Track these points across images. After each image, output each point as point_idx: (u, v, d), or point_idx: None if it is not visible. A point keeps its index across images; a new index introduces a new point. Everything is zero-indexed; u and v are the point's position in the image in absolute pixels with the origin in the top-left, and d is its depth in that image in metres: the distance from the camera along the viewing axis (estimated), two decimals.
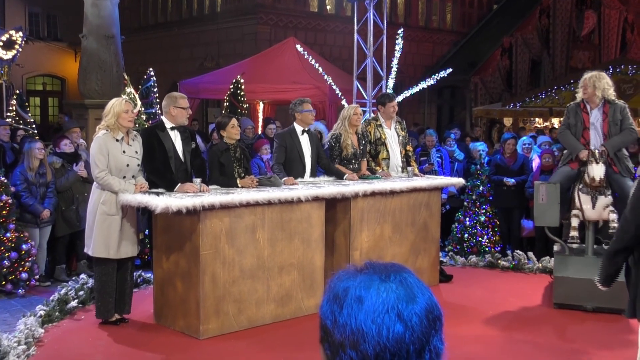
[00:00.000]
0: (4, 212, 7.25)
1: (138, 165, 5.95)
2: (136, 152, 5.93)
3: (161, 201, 5.45)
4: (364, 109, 9.90)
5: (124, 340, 5.69)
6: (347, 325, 1.08)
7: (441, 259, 8.00)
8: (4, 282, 7.18)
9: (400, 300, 1.08)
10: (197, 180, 6.03)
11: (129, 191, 5.74)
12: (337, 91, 12.13)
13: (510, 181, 8.98)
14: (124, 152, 5.81)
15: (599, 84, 6.57)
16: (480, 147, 10.11)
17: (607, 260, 3.97)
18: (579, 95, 6.80)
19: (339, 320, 1.09)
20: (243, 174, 6.53)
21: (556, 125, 14.79)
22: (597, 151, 6.41)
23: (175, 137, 6.22)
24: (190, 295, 5.72)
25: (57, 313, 6.19)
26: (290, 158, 7.10)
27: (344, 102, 11.61)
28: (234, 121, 6.62)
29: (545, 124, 15.54)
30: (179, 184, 5.95)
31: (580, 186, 6.61)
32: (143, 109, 9.94)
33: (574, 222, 6.65)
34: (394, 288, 1.09)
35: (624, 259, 3.88)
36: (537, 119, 15.90)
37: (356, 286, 1.11)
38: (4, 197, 7.25)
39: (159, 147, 6.09)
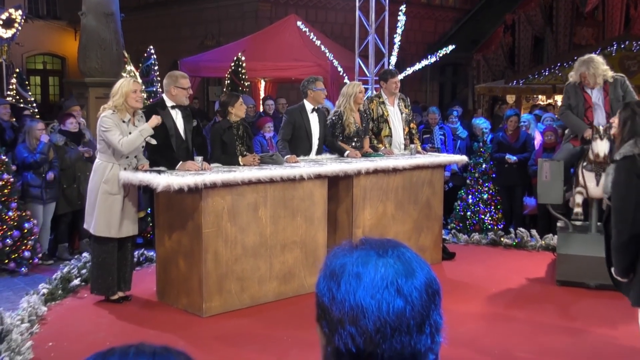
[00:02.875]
0: (6, 190, 7.24)
1: (143, 146, 5.94)
2: None
3: (163, 179, 5.43)
4: (365, 86, 9.84)
5: (126, 317, 5.71)
6: (345, 302, 1.06)
7: (444, 236, 7.99)
8: (6, 261, 7.20)
9: (399, 275, 1.07)
10: (199, 159, 6.01)
11: (147, 131, 5.73)
12: (339, 68, 12.04)
13: (513, 158, 8.94)
14: (130, 133, 5.79)
15: (598, 71, 6.53)
16: (482, 124, 10.05)
17: (619, 254, 3.85)
18: (573, 76, 6.75)
19: (336, 297, 1.07)
20: (245, 152, 6.49)
21: (559, 103, 14.72)
22: (601, 127, 6.36)
23: (176, 116, 6.19)
24: (193, 273, 5.72)
25: (60, 291, 6.21)
26: (297, 135, 7.05)
27: (346, 79, 11.53)
28: (241, 99, 6.60)
29: (549, 101, 15.45)
30: (181, 162, 5.93)
31: (585, 163, 6.58)
32: (144, 87, 9.88)
33: (578, 199, 6.62)
34: (392, 263, 1.08)
35: (636, 246, 3.78)
36: (540, 96, 15.81)
37: (353, 262, 1.09)
38: (5, 176, 7.23)
39: (160, 126, 6.04)
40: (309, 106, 7.12)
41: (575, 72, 6.74)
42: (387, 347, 1.04)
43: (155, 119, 5.83)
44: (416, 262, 1.10)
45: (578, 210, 6.61)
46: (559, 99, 14.88)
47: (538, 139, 9.22)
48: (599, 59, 6.69)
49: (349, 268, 1.08)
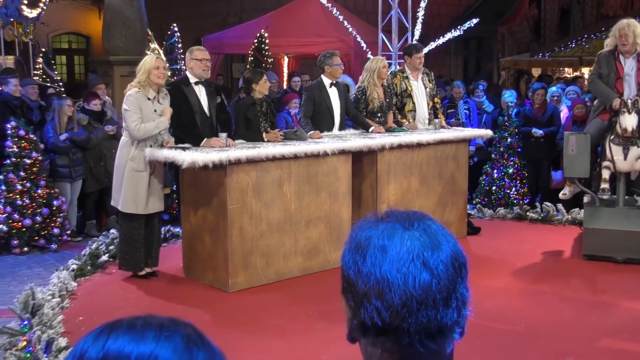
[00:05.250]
0: (35, 169, 7.34)
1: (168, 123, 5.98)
2: None
3: (187, 156, 5.47)
4: (389, 61, 9.76)
5: (154, 293, 5.79)
6: (371, 275, 1.05)
7: (469, 211, 7.96)
8: (37, 238, 7.33)
9: (425, 248, 1.06)
10: (223, 135, 6.03)
11: (164, 123, 5.78)
12: (362, 44, 11.95)
13: (539, 132, 8.84)
14: (155, 110, 5.82)
15: (637, 30, 6.37)
16: (508, 98, 9.93)
17: None
18: (610, 43, 6.62)
19: (362, 270, 1.07)
20: (269, 129, 6.50)
21: (586, 75, 14.48)
22: (629, 100, 6.26)
23: (200, 92, 6.21)
24: (219, 249, 5.77)
25: (88, 267, 6.32)
26: (318, 111, 7.04)
27: (369, 54, 11.45)
28: (265, 76, 6.60)
29: (575, 73, 15.20)
30: (205, 138, 5.96)
31: (612, 137, 6.49)
32: (168, 65, 9.91)
33: (605, 174, 6.54)
34: (417, 236, 1.07)
35: None
36: (566, 69, 15.57)
37: (379, 235, 1.08)
38: (34, 155, 7.33)
39: (184, 102, 6.08)
40: (327, 81, 7.09)
41: (612, 35, 6.60)
42: (413, 322, 1.04)
43: (169, 111, 5.87)
44: (442, 234, 1.09)
45: (605, 186, 6.52)
46: (585, 71, 14.64)
47: (565, 113, 9.09)
48: (637, 23, 6.56)
49: (374, 241, 1.07)
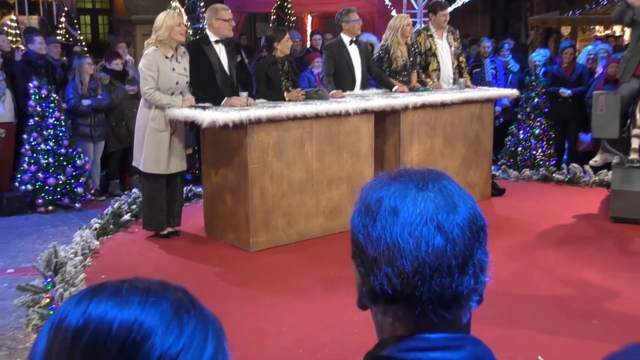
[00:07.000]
0: (57, 128, 7.35)
1: (187, 82, 5.91)
2: (185, 69, 5.87)
3: (208, 115, 5.42)
4: (414, 19, 9.56)
5: (175, 252, 5.81)
6: (381, 240, 0.98)
7: (494, 172, 7.84)
8: (61, 197, 7.38)
9: (439, 211, 0.97)
10: (244, 94, 5.97)
11: (177, 105, 5.73)
12: (387, 1, 11.74)
13: (567, 92, 8.63)
14: (173, 69, 5.76)
15: None
16: (536, 57, 9.69)
17: None
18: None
19: (372, 234, 0.99)
20: (290, 88, 6.42)
21: (618, 33, 14.08)
22: None
23: (220, 51, 6.12)
24: (240, 208, 5.75)
25: (111, 226, 6.36)
26: (339, 69, 6.93)
27: (393, 12, 11.23)
28: (288, 35, 6.49)
29: (606, 32, 14.79)
30: (226, 98, 5.90)
31: None
32: (189, 23, 9.82)
33: (635, 142, 6.37)
34: (432, 197, 0.98)
35: None
36: (597, 27, 15.15)
37: (390, 196, 1.00)
38: (57, 114, 7.33)
39: (204, 61, 6.01)
40: (346, 39, 6.95)
41: None
42: (425, 289, 0.96)
43: (189, 102, 5.80)
44: (459, 195, 1.00)
45: (634, 157, 6.36)
46: (617, 29, 14.25)
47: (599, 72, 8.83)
48: None
49: (385, 202, 0.99)
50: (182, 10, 9.85)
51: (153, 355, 0.74)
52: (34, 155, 7.28)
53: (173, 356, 0.75)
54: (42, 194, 7.28)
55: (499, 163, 8.85)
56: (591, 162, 7.12)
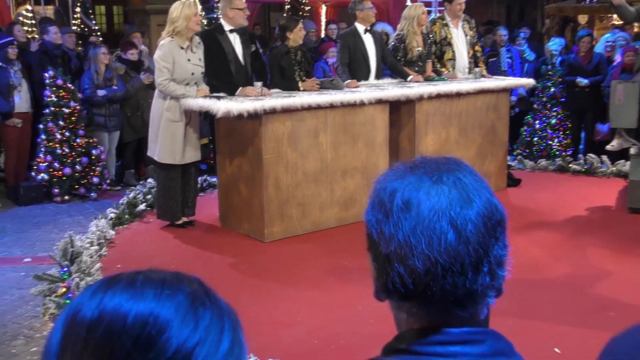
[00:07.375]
0: (73, 118, 7.39)
1: (202, 73, 5.91)
2: (200, 60, 5.87)
3: (222, 105, 5.42)
4: (429, 8, 9.50)
5: (190, 242, 5.83)
6: (393, 238, 0.95)
7: (509, 162, 7.79)
8: (77, 187, 7.42)
9: (453, 206, 0.94)
10: (258, 84, 5.96)
11: (191, 96, 5.73)
12: None
13: (584, 81, 8.54)
14: (188, 60, 5.76)
15: None
16: (552, 46, 9.59)
17: None
18: None
19: (384, 230, 0.97)
20: (304, 77, 6.40)
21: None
22: None
23: (235, 40, 6.11)
24: (254, 198, 5.76)
25: (126, 216, 6.39)
26: (354, 59, 6.89)
27: (408, 2, 11.16)
28: (301, 24, 6.47)
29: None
30: (240, 87, 5.89)
31: None
32: (204, 13, 9.81)
33: None
34: (446, 191, 0.95)
35: None
36: (614, 15, 14.95)
37: (403, 189, 0.97)
38: (72, 104, 7.37)
39: (218, 50, 6.00)
40: (360, 28, 6.91)
41: None
42: (437, 289, 0.94)
43: (204, 92, 5.81)
44: (474, 188, 0.96)
45: None
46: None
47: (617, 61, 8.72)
48: None
49: (398, 196, 0.97)
50: (197, 0, 9.86)
51: (169, 349, 0.73)
52: (50, 145, 7.32)
53: (189, 350, 0.74)
54: (58, 184, 7.33)
55: (515, 153, 8.79)
56: (608, 146, 7.06)
